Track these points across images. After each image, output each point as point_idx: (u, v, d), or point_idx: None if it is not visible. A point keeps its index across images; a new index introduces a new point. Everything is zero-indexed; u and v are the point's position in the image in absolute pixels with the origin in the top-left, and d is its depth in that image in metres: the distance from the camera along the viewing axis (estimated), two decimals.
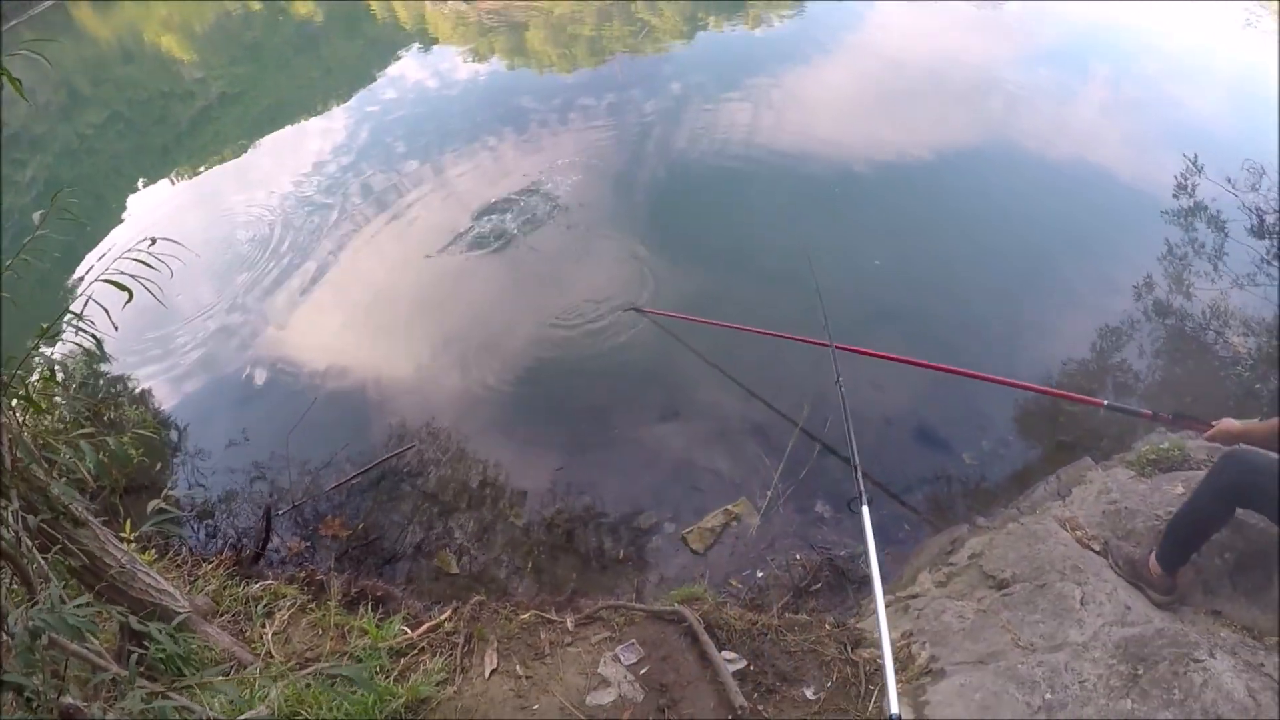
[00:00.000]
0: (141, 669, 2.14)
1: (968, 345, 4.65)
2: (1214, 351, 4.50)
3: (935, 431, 4.20)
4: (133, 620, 2.05)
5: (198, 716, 1.82)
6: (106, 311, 2.05)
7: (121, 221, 8.34)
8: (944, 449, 4.09)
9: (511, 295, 5.61)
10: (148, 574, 2.70)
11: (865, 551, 2.50)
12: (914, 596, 3.06)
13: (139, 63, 17.41)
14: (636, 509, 3.89)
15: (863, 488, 2.74)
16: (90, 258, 7.46)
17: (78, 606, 1.71)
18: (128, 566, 2.57)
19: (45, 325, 1.88)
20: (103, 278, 1.96)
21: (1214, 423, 2.57)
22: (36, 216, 1.92)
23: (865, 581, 3.44)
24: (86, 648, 2.06)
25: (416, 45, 12.77)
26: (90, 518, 2.41)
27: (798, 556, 3.59)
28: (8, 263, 1.86)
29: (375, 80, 11.44)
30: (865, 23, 10.65)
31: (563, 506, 3.98)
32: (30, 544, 2.11)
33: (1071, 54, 8.89)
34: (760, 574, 3.54)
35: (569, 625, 3.01)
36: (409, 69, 11.68)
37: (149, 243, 2.13)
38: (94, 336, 1.98)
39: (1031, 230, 5.79)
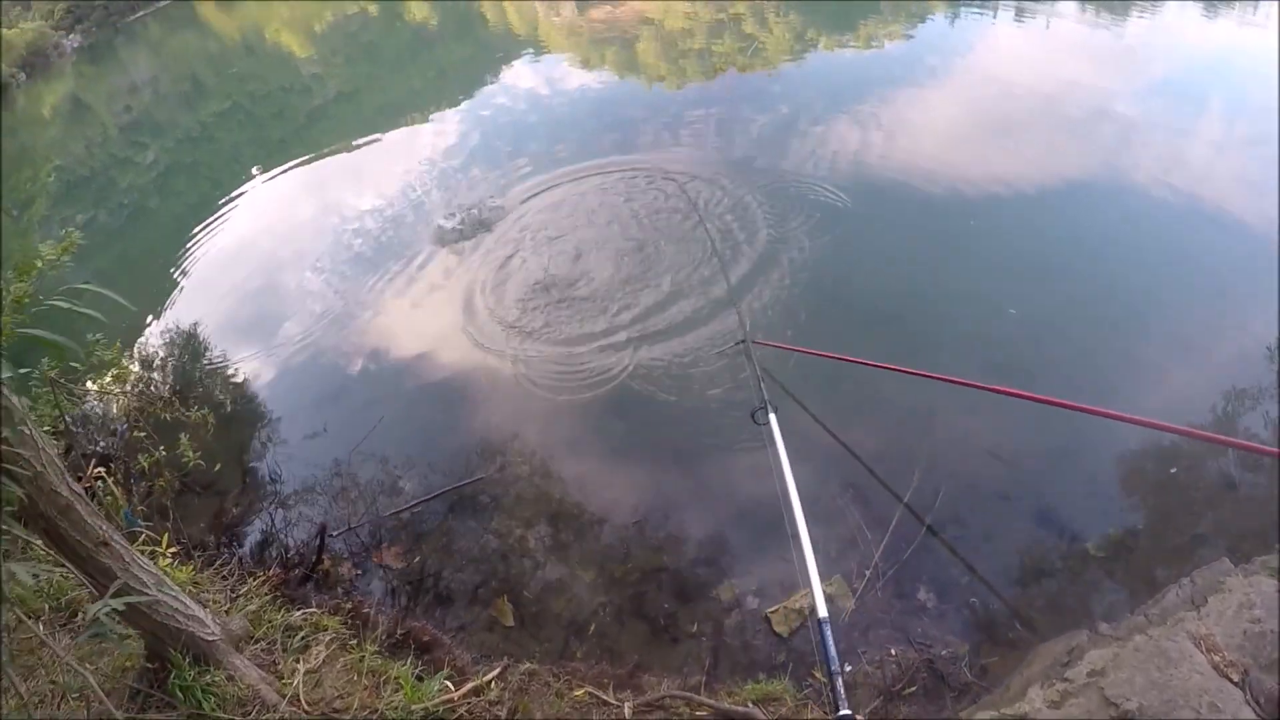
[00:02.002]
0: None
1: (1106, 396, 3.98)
2: None
3: (1057, 513, 3.64)
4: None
5: None
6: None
7: (236, 206, 8.60)
8: (1066, 535, 3.54)
9: (607, 320, 5.22)
10: (176, 598, 2.48)
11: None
12: (1022, 717, 2.65)
13: (259, 58, 18.30)
14: (717, 577, 3.49)
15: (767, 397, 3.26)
16: (202, 238, 7.82)
17: None
18: (153, 592, 2.33)
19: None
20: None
21: None
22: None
23: (966, 690, 2.99)
24: None
25: (528, 52, 12.82)
26: (114, 537, 2.17)
27: (893, 652, 3.15)
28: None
29: (487, 85, 11.52)
30: (977, 46, 9.98)
31: (636, 565, 3.60)
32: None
33: (1189, 83, 7.94)
34: (849, 668, 3.10)
35: (626, 712, 2.66)
36: (520, 76, 11.69)
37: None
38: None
39: (1167, 283, 5.01)
